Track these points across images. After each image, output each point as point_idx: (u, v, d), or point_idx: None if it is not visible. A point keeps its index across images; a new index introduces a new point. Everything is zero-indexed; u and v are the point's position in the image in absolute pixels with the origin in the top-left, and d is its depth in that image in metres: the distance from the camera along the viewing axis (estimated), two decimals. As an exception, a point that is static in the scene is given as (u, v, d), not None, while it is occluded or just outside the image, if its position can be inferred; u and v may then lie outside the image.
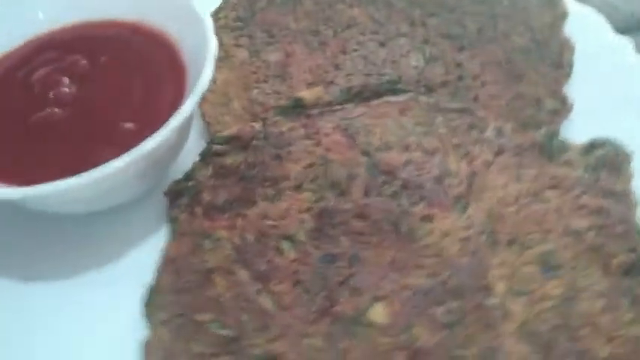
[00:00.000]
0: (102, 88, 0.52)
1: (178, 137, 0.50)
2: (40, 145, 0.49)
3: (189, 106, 0.47)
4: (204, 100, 0.59)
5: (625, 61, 0.57)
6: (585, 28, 0.58)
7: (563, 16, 0.59)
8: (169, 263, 0.48)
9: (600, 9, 0.63)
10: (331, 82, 0.59)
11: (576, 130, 0.53)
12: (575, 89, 0.56)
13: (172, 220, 0.51)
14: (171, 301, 0.46)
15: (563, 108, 0.55)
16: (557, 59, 0.57)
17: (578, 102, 0.55)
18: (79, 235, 0.52)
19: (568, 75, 0.57)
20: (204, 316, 0.45)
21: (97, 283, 0.49)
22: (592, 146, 0.51)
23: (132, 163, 0.44)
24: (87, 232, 0.52)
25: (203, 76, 0.48)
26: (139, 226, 0.52)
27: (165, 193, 0.52)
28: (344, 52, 0.61)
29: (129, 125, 0.49)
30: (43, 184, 0.43)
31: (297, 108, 0.56)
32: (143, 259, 0.49)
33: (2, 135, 0.50)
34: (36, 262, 0.51)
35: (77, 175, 0.43)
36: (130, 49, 0.54)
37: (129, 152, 0.44)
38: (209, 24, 0.52)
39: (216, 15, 0.65)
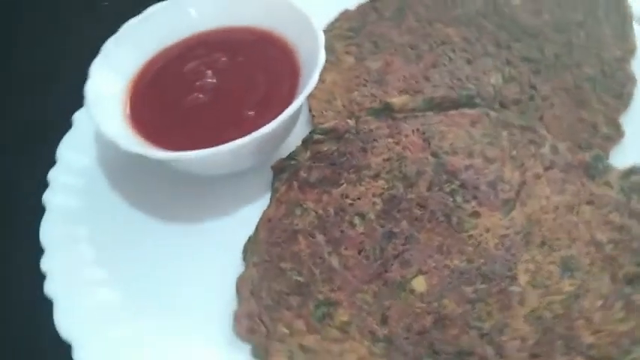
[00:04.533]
0: (235, 81, 0.66)
1: (287, 125, 0.63)
2: (186, 121, 0.64)
3: (296, 103, 0.60)
4: (312, 96, 0.72)
5: None
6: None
7: (632, 51, 0.66)
8: (266, 222, 0.62)
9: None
10: (419, 92, 0.70)
11: (624, 157, 0.61)
12: (631, 119, 0.63)
13: (274, 190, 0.64)
14: (264, 249, 0.60)
15: (615, 135, 0.62)
16: (619, 90, 0.64)
17: (631, 131, 0.62)
18: (208, 191, 0.68)
19: (626, 106, 0.63)
20: (286, 265, 0.59)
21: (214, 229, 0.65)
22: (630, 172, 0.58)
23: (250, 142, 0.58)
24: (213, 190, 0.68)
25: (311, 80, 0.61)
26: (250, 190, 0.67)
27: (272, 168, 0.65)
28: (435, 66, 0.72)
29: (251, 113, 0.63)
30: (187, 152, 0.58)
31: (386, 111, 0.67)
32: (249, 216, 0.63)
33: (161, 112, 0.66)
34: (174, 207, 0.67)
35: (212, 148, 0.58)
36: (259, 52, 0.68)
37: (249, 135, 0.58)
38: (322, 38, 0.65)
39: (332, 25, 0.78)
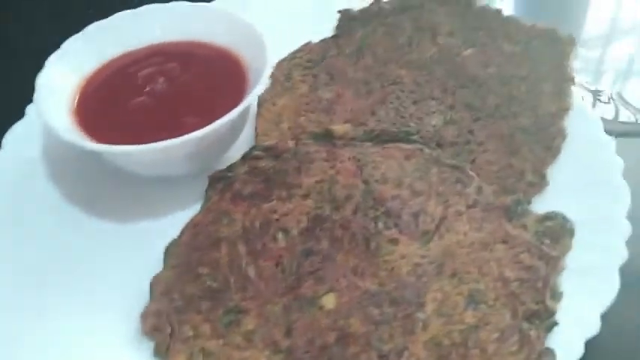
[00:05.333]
0: (183, 91, 0.69)
1: (222, 134, 0.65)
2: (128, 122, 0.66)
3: (233, 114, 0.62)
4: (261, 116, 0.74)
5: (604, 156, 0.65)
6: (580, 122, 0.68)
7: (566, 109, 0.68)
8: (192, 227, 0.63)
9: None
10: (363, 124, 0.72)
11: (544, 205, 0.62)
12: (557, 171, 0.65)
13: (206, 198, 0.65)
14: (184, 253, 0.61)
15: (540, 183, 0.64)
16: (550, 143, 0.67)
17: (555, 182, 0.64)
18: (143, 193, 0.69)
19: (554, 157, 0.66)
20: (203, 270, 0.59)
21: (142, 230, 0.66)
22: (546, 217, 0.60)
23: (180, 144, 0.60)
24: (148, 192, 0.69)
25: (249, 96, 0.64)
26: (185, 197, 0.67)
27: (208, 177, 0.67)
28: (382, 103, 0.74)
29: (194, 120, 0.65)
30: (118, 146, 0.60)
31: (327, 137, 0.69)
32: (179, 221, 0.63)
33: (106, 111, 0.68)
34: (107, 205, 0.69)
35: (142, 145, 0.60)
36: (214, 67, 0.71)
37: (180, 137, 0.60)
38: (270, 58, 0.68)
39: (294, 54, 0.81)
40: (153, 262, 0.61)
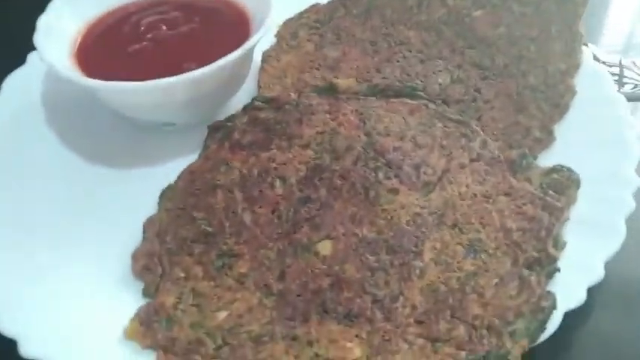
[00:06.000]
0: (186, 39, 0.68)
1: (223, 81, 0.64)
2: (129, 67, 0.65)
3: (232, 56, 0.61)
4: (264, 71, 0.73)
5: (613, 112, 0.63)
6: (590, 79, 0.66)
7: (576, 66, 0.67)
8: (189, 173, 0.62)
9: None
10: (368, 80, 0.71)
11: (552, 160, 0.60)
12: (564, 128, 0.63)
13: (205, 147, 0.64)
14: (180, 197, 0.60)
15: (547, 139, 0.63)
16: (558, 101, 0.65)
17: (563, 138, 0.62)
18: (143, 141, 0.68)
19: (562, 115, 0.64)
20: (198, 214, 0.58)
21: (138, 175, 0.65)
22: (552, 170, 0.58)
23: (177, 83, 0.59)
24: (149, 140, 0.68)
25: (253, 39, 0.62)
26: (184, 145, 0.66)
27: (208, 127, 0.66)
28: (389, 61, 0.73)
29: (193, 65, 0.64)
30: (115, 82, 0.60)
31: (330, 91, 0.68)
32: (177, 168, 0.63)
33: (108, 56, 0.67)
34: (106, 151, 0.68)
35: (139, 82, 0.59)
36: (217, 17, 0.70)
37: (178, 75, 0.59)
38: (272, 8, 0.66)
39: (300, 15, 0.80)
40: (148, 207, 0.60)
